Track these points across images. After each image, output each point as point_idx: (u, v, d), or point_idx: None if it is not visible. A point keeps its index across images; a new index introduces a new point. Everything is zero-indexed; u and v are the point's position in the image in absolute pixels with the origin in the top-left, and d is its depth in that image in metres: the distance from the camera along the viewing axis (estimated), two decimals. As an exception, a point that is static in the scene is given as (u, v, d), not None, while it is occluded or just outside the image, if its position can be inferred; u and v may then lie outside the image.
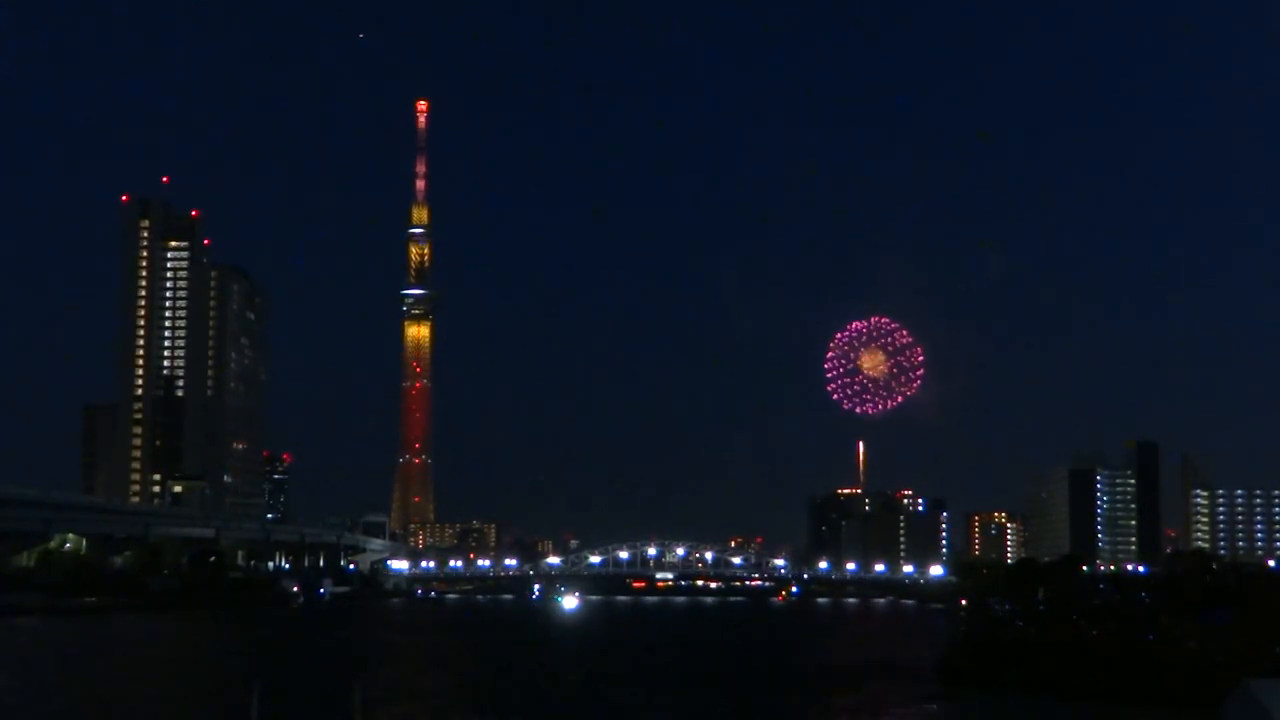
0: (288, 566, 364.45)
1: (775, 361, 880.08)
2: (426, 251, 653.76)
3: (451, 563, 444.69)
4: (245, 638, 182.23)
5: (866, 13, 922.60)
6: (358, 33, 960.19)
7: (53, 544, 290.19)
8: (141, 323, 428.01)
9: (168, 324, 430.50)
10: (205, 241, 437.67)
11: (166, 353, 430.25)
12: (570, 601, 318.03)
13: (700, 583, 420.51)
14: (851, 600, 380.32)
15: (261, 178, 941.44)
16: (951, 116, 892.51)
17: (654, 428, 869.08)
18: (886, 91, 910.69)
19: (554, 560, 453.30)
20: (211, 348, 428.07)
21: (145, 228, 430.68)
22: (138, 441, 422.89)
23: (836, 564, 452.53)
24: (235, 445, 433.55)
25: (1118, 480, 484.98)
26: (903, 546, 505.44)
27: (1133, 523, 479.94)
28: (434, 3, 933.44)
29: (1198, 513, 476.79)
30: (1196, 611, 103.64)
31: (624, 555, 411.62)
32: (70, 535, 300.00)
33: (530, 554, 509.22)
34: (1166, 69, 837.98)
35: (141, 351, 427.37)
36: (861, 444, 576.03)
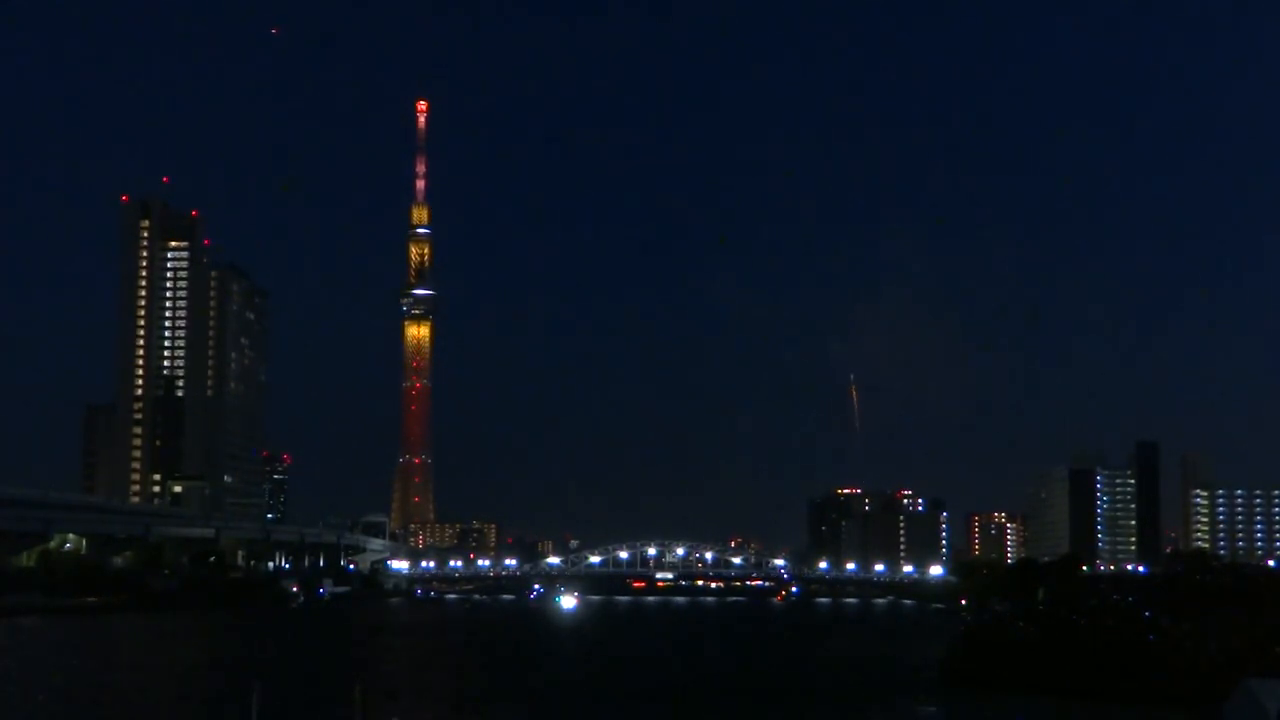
0: (288, 566, 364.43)
1: (775, 361, 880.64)
2: (426, 251, 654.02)
3: (451, 563, 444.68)
4: (245, 638, 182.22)
5: (873, 9, 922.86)
6: (356, 33, 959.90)
7: (53, 544, 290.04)
8: (141, 323, 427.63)
9: (168, 324, 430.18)
10: (205, 242, 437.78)
11: (166, 353, 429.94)
12: (569, 601, 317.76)
13: (701, 582, 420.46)
14: (851, 600, 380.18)
15: (261, 178, 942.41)
16: (958, 116, 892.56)
17: (654, 428, 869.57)
18: (891, 89, 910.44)
19: (554, 560, 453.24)
20: (211, 348, 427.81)
21: (145, 228, 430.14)
22: (138, 441, 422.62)
23: (836, 564, 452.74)
24: (235, 445, 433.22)
25: (1118, 480, 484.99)
26: (903, 546, 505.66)
27: (1133, 523, 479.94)
28: (434, 3, 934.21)
29: (1198, 513, 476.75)
30: (1196, 611, 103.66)
31: (624, 555, 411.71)
32: (70, 535, 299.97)
33: (530, 554, 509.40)
34: (1175, 73, 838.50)
35: (141, 351, 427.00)
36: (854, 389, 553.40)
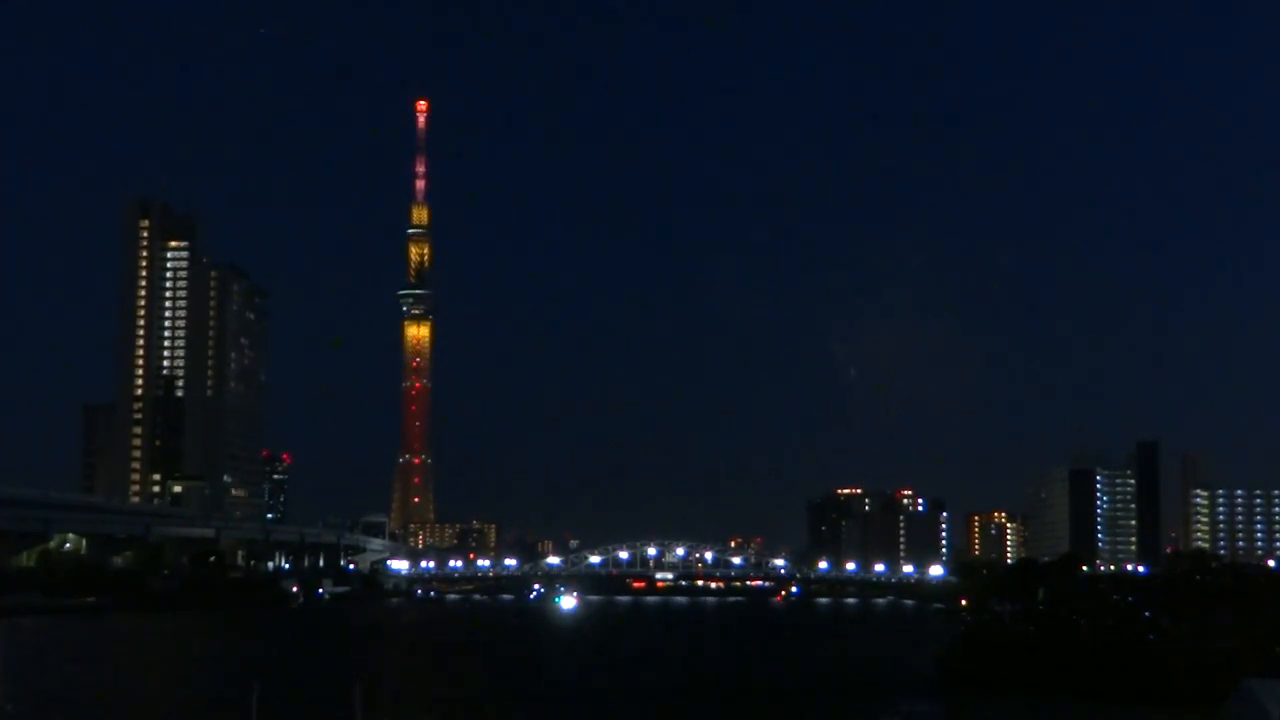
0: (288, 566, 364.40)
1: (775, 361, 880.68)
2: (426, 251, 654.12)
3: (451, 563, 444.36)
4: (245, 638, 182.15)
5: (873, 9, 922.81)
6: (356, 33, 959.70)
7: (53, 544, 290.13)
8: (141, 323, 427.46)
9: (168, 324, 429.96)
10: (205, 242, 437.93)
11: (166, 353, 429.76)
12: (569, 602, 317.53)
13: (701, 582, 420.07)
14: (851, 600, 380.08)
15: (261, 178, 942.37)
16: (962, 112, 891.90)
17: (654, 427, 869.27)
18: (891, 89, 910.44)
19: (554, 560, 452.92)
20: (211, 348, 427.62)
21: (145, 228, 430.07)
22: (138, 441, 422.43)
23: (836, 564, 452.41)
24: (235, 445, 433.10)
25: (1118, 480, 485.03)
26: (903, 546, 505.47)
27: (1133, 523, 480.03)
28: (433, 3, 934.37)
29: (1198, 513, 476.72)
30: (1196, 611, 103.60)
31: (624, 555, 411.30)
32: (70, 535, 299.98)
33: (530, 554, 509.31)
34: (1175, 73, 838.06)
35: (141, 351, 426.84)
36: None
